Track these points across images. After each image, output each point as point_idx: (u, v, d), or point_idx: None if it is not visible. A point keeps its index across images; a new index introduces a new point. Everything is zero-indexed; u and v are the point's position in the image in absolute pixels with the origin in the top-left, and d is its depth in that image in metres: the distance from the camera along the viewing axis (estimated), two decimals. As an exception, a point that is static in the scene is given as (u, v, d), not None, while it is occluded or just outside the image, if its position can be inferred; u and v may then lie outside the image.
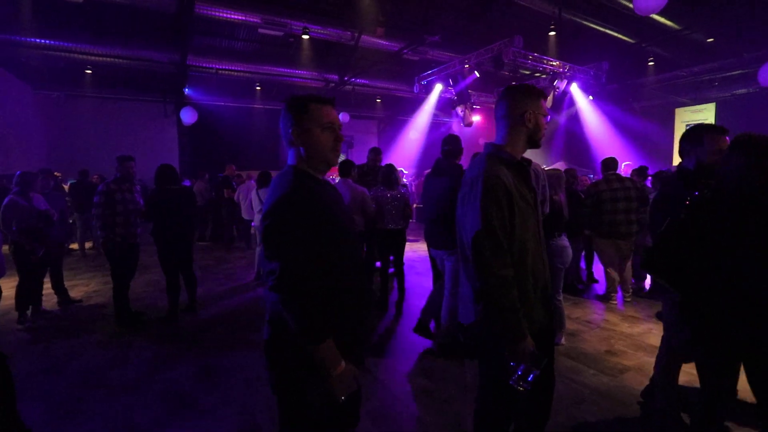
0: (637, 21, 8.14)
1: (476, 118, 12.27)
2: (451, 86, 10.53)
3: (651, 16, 7.72)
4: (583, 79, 10.21)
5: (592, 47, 10.06)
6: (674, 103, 13.63)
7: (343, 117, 11.45)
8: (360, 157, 5.03)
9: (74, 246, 7.52)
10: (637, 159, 10.52)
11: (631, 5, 7.20)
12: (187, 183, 8.51)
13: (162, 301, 4.30)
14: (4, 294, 3.19)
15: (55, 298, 4.50)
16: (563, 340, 3.31)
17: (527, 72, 11.17)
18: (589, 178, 6.86)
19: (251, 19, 7.61)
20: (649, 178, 5.46)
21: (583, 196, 4.47)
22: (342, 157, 3.86)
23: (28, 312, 4.00)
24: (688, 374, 2.46)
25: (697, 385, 2.31)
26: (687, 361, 2.21)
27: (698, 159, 1.84)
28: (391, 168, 4.25)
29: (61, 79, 10.45)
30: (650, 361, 2.84)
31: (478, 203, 1.32)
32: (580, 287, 4.91)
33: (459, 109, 11.23)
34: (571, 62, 9.82)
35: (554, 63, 9.59)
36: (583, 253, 5.16)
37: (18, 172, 3.86)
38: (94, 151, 11.24)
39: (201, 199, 8.10)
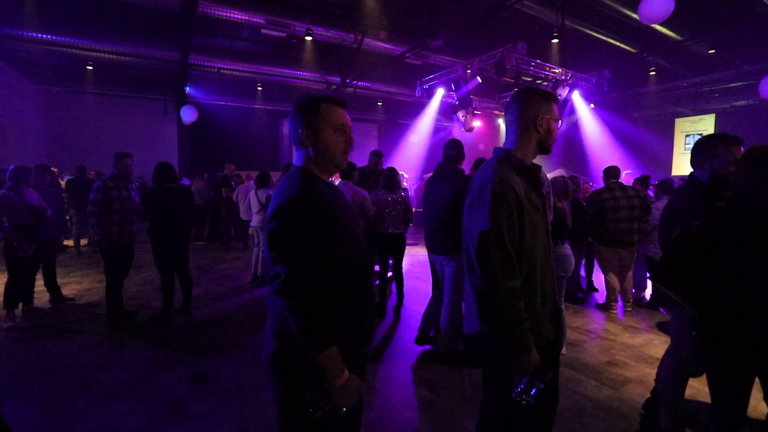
0: (640, 31, 8.18)
1: (477, 124, 12.26)
2: (452, 91, 10.51)
3: (653, 26, 7.77)
4: (585, 87, 10.21)
5: (594, 56, 10.11)
6: (674, 113, 13.71)
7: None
8: (359, 160, 4.98)
9: (69, 242, 7.43)
10: (636, 168, 10.53)
11: (634, 15, 7.24)
12: (186, 182, 8.44)
13: (156, 301, 4.22)
14: (-6, 291, 3.13)
15: (47, 296, 4.42)
16: (564, 350, 3.26)
17: (529, 78, 11.19)
18: (591, 185, 6.84)
19: (255, 20, 7.59)
20: (652, 187, 5.43)
21: (584, 204, 4.44)
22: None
23: (17, 310, 3.91)
24: (691, 387, 2.42)
25: (700, 398, 2.25)
26: (694, 376, 2.16)
27: (713, 170, 1.79)
28: (392, 171, 4.20)
29: (63, 75, 10.38)
30: (651, 372, 2.80)
31: (486, 210, 1.28)
32: (580, 296, 4.87)
33: (460, 114, 11.22)
34: (573, 70, 9.84)
35: (557, 70, 9.59)
36: (583, 261, 5.12)
37: (11, 167, 3.80)
38: (94, 147, 11.16)
39: (200, 198, 8.03)
